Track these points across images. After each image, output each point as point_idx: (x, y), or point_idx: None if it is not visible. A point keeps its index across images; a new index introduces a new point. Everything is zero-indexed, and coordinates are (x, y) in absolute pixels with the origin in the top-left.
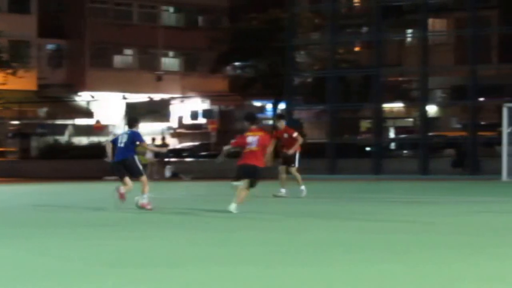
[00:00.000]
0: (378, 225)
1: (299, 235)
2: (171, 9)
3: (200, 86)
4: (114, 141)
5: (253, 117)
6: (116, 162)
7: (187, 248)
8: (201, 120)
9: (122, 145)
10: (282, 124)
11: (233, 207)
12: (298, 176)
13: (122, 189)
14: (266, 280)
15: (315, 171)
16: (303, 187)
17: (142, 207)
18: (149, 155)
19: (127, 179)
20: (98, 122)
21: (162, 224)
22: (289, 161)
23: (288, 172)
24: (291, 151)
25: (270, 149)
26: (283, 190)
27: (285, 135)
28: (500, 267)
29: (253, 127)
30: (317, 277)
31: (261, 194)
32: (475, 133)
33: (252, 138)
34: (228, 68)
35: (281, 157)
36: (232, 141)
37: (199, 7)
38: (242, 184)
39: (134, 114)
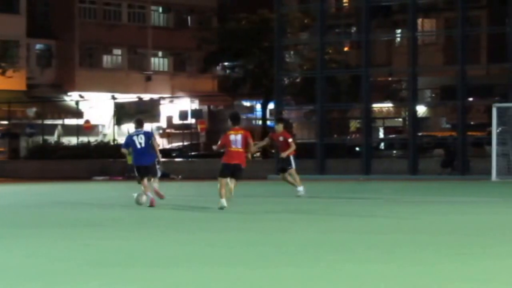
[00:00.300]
0: (366, 225)
1: (288, 235)
2: (160, 9)
3: (189, 86)
4: (129, 145)
5: (237, 117)
6: (141, 165)
7: (176, 248)
8: (190, 120)
9: (142, 145)
10: (280, 127)
11: (223, 202)
12: (297, 177)
13: (150, 193)
14: (256, 281)
15: (304, 171)
16: (301, 188)
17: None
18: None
19: (145, 180)
20: (87, 122)
21: (152, 224)
22: (285, 165)
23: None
24: (284, 154)
25: (254, 147)
26: (300, 188)
27: (281, 138)
28: (488, 267)
29: (236, 126)
30: (306, 277)
31: (250, 194)
32: (464, 133)
33: (234, 137)
34: (217, 68)
35: (278, 163)
36: (218, 144)
37: (188, 7)
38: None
39: (123, 114)
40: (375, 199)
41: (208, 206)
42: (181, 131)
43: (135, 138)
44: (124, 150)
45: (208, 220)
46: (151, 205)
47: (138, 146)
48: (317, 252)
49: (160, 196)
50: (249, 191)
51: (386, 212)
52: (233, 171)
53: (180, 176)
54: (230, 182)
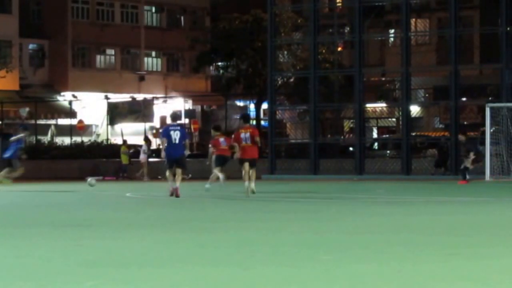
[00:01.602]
0: (360, 225)
1: (282, 235)
2: (153, 9)
3: (182, 86)
4: (165, 136)
5: (247, 117)
6: (174, 157)
7: (170, 248)
8: (184, 120)
9: (177, 141)
10: (215, 133)
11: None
12: (214, 176)
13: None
14: (250, 281)
15: (298, 172)
16: (208, 185)
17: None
18: (142, 156)
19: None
20: (80, 122)
21: (142, 224)
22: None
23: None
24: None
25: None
26: (208, 186)
27: (221, 139)
28: (481, 267)
29: (246, 125)
30: (301, 277)
31: (243, 193)
32: (457, 133)
33: (244, 135)
34: (210, 68)
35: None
36: (232, 138)
37: (181, 7)
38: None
39: (116, 114)
40: (369, 199)
41: (200, 205)
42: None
43: (172, 132)
44: (163, 140)
45: (201, 220)
46: (176, 195)
47: (174, 141)
48: (312, 252)
49: (177, 195)
50: (243, 190)
51: (379, 212)
52: (250, 163)
53: (190, 175)
54: (249, 180)
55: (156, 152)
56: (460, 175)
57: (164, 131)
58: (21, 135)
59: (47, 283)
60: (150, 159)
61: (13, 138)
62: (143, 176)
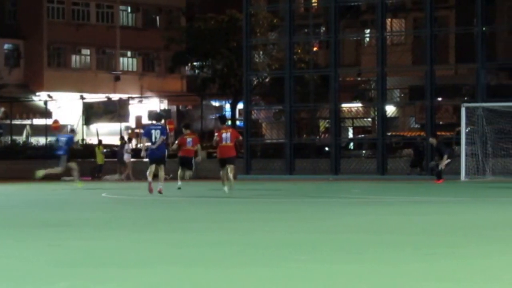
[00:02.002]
0: (336, 225)
1: (258, 235)
2: (128, 9)
3: (158, 86)
4: (147, 136)
5: (224, 118)
6: (155, 157)
7: (144, 248)
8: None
9: (157, 139)
10: (186, 131)
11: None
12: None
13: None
14: (227, 281)
15: (273, 171)
16: (180, 183)
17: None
18: (126, 156)
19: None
20: (56, 122)
21: (120, 224)
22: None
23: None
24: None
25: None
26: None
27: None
28: (457, 267)
29: (225, 125)
30: (276, 277)
31: (219, 194)
32: (433, 133)
33: (225, 135)
34: (186, 68)
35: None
36: (213, 141)
37: (156, 7)
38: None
39: (92, 114)
40: (345, 199)
41: (178, 206)
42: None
43: (153, 132)
44: (144, 139)
45: (177, 220)
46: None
47: (154, 140)
48: (288, 252)
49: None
50: (219, 190)
51: (355, 212)
52: (227, 162)
53: (171, 175)
54: (229, 173)
55: (136, 152)
56: (435, 175)
57: (145, 131)
58: None
59: (23, 283)
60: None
61: None
62: (128, 177)
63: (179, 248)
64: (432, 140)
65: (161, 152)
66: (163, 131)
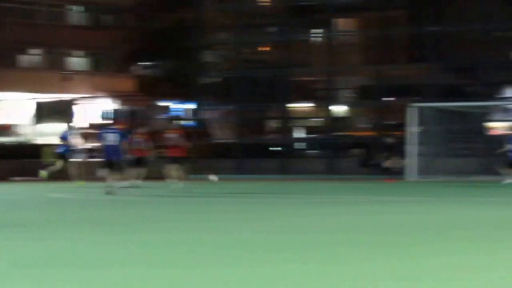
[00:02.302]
0: (284, 225)
1: (220, 236)
2: (78, 8)
3: (108, 86)
4: (102, 138)
5: (174, 119)
6: (110, 159)
7: (106, 249)
8: (109, 120)
9: (112, 144)
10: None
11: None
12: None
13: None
14: (190, 281)
15: (222, 171)
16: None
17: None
18: (80, 156)
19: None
20: (4, 123)
21: (81, 225)
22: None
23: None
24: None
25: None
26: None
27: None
28: (405, 266)
29: (174, 126)
30: (240, 277)
31: (178, 194)
32: (381, 133)
33: (172, 135)
34: (136, 68)
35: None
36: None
37: (107, 6)
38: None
39: (42, 114)
40: (295, 199)
41: (131, 206)
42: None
43: (107, 135)
44: (100, 143)
45: (137, 220)
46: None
47: (109, 143)
48: (251, 252)
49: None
50: (178, 191)
51: (306, 212)
52: (175, 162)
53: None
54: (177, 173)
55: (90, 152)
56: (387, 174)
57: (101, 134)
58: None
59: None
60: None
61: None
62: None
63: (136, 249)
64: (389, 140)
65: (115, 155)
66: (119, 136)
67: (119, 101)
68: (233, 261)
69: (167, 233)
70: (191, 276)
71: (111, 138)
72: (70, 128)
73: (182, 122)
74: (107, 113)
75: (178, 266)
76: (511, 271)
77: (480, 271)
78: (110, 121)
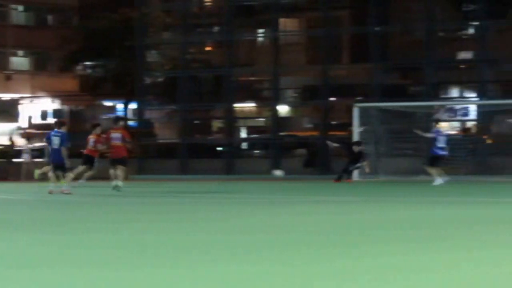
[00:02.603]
0: (230, 226)
1: (151, 236)
2: (21, 8)
3: (50, 85)
4: (48, 141)
5: (116, 119)
6: (55, 162)
7: (37, 249)
8: (51, 120)
9: (57, 147)
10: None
11: (120, 183)
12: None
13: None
14: (120, 282)
15: (166, 171)
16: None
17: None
18: (25, 156)
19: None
20: None
21: (13, 225)
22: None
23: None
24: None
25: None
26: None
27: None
28: (349, 266)
29: (116, 126)
30: (167, 278)
31: (114, 193)
32: (326, 133)
33: (114, 135)
34: (79, 67)
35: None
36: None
37: (49, 5)
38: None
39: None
40: (238, 199)
41: (73, 207)
42: (41, 131)
43: (53, 137)
44: (46, 144)
45: (72, 221)
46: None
47: (54, 146)
48: (181, 253)
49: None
50: (121, 191)
51: (250, 213)
52: (117, 162)
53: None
54: (116, 171)
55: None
56: (346, 175)
57: (47, 136)
58: None
59: None
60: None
61: None
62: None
63: (73, 249)
64: (356, 148)
65: (58, 158)
66: (63, 139)
67: (62, 101)
68: (165, 262)
69: (101, 233)
70: (119, 277)
71: (56, 141)
72: (16, 128)
73: (126, 122)
74: (49, 113)
75: (106, 267)
76: (452, 271)
77: (419, 271)
78: (54, 122)
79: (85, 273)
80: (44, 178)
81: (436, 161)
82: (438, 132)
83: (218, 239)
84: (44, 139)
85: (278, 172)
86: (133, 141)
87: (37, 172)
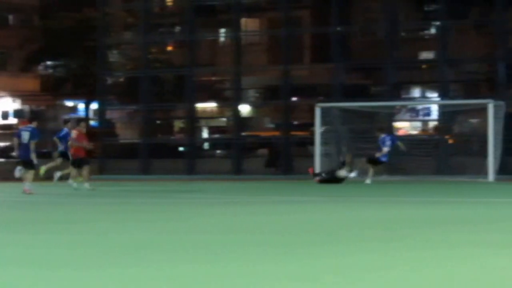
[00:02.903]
0: (192, 226)
1: (111, 237)
2: None
3: (11, 85)
4: (18, 137)
5: (78, 120)
6: (22, 158)
7: None
8: (12, 120)
9: (25, 142)
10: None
11: (86, 185)
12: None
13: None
14: (80, 282)
15: (128, 172)
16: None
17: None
18: None
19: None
20: None
21: None
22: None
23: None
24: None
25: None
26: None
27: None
28: (312, 266)
29: (77, 127)
30: (132, 278)
31: (73, 193)
32: (288, 133)
33: (74, 136)
34: (40, 67)
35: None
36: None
37: (10, 5)
38: None
39: None
40: (200, 199)
41: (30, 207)
42: (2, 131)
43: (22, 133)
44: (15, 140)
45: (24, 221)
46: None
47: (23, 141)
48: (144, 253)
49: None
50: (73, 191)
51: (210, 213)
52: (73, 163)
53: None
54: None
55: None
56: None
57: (18, 132)
58: None
59: None
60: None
61: None
62: None
63: (34, 249)
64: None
65: (26, 155)
66: (32, 134)
67: (23, 101)
68: (134, 262)
69: (69, 234)
70: (80, 276)
71: (26, 137)
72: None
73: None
74: (10, 113)
75: (68, 267)
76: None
77: (379, 270)
78: (17, 120)
79: (45, 273)
80: (47, 177)
81: (378, 164)
82: (384, 140)
83: (177, 239)
84: (15, 136)
85: (353, 174)
86: (88, 144)
87: (43, 168)
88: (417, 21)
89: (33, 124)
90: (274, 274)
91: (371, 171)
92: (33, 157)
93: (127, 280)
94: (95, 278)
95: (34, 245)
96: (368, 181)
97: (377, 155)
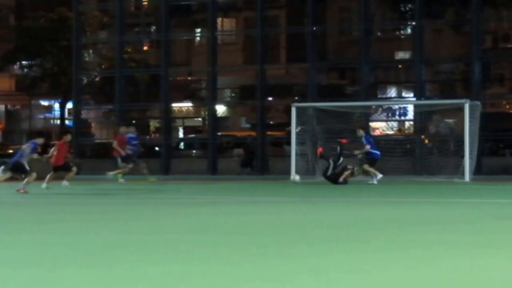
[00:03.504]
0: (167, 226)
1: (84, 237)
2: None
3: None
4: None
5: (64, 132)
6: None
7: None
8: None
9: (23, 151)
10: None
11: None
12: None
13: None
14: (52, 282)
15: (102, 172)
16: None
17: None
18: None
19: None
20: None
21: None
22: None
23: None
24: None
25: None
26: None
27: None
28: (285, 267)
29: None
30: (104, 278)
31: (46, 192)
32: (263, 133)
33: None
34: (15, 67)
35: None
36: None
37: None
38: None
39: None
40: (175, 199)
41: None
42: None
43: (27, 144)
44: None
45: (3, 221)
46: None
47: (22, 149)
48: (116, 253)
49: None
50: (46, 191)
51: (185, 213)
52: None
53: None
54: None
55: None
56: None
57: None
58: None
59: None
60: None
61: None
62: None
63: (5, 249)
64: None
65: (19, 160)
66: (34, 148)
67: None
68: (106, 262)
69: (41, 234)
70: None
71: (27, 150)
72: None
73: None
74: None
75: (39, 267)
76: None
77: (356, 272)
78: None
79: (16, 273)
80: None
81: (374, 161)
82: (367, 138)
83: (153, 239)
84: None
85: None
86: (68, 155)
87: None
88: (393, 21)
89: (39, 141)
90: (247, 274)
91: (371, 171)
92: (25, 164)
93: (95, 281)
94: (64, 279)
95: (9, 245)
96: (374, 181)
97: (356, 152)
